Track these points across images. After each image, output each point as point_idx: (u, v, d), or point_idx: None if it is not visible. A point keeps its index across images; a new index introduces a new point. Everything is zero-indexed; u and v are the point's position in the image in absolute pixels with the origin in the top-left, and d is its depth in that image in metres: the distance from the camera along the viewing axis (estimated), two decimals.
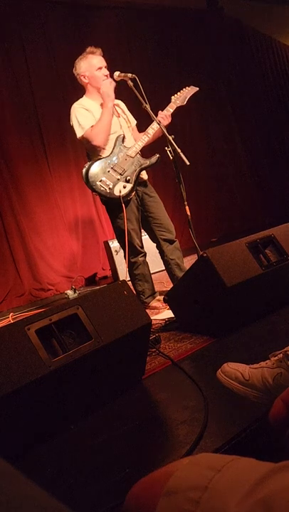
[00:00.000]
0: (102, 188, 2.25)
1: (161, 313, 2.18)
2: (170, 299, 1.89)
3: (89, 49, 2.37)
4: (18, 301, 3.49)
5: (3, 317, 3.07)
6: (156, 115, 2.31)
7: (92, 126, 2.28)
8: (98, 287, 3.35)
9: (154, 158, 2.37)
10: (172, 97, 2.43)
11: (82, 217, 4.06)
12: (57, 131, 3.82)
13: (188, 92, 2.45)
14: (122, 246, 2.36)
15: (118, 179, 2.27)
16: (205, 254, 1.57)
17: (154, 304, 2.39)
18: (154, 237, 2.46)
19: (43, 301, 3.50)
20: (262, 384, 0.98)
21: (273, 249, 1.75)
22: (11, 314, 3.03)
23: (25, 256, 3.63)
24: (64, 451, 1.10)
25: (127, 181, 2.28)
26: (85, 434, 1.15)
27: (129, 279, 2.37)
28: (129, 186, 2.28)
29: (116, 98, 2.52)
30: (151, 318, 1.37)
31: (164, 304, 2.26)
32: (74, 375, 1.16)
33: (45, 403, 1.13)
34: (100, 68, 2.34)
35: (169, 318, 1.97)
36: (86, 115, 2.31)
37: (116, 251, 3.45)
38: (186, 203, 2.25)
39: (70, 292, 3.40)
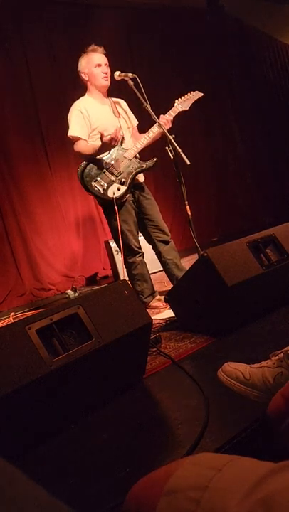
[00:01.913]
0: (96, 189, 2.26)
1: (162, 313, 2.18)
2: (171, 298, 1.89)
3: (91, 47, 2.38)
4: (19, 301, 3.49)
5: (4, 317, 3.07)
6: (157, 116, 2.31)
7: (83, 140, 2.29)
8: (99, 287, 3.35)
9: (150, 162, 2.36)
10: (176, 101, 2.41)
11: (82, 217, 4.06)
12: (58, 132, 3.81)
13: (193, 97, 2.43)
14: (119, 246, 2.36)
15: (113, 181, 2.28)
16: (205, 254, 1.57)
17: (154, 303, 2.40)
18: (149, 239, 2.46)
19: (44, 300, 3.51)
20: (262, 383, 0.98)
21: (274, 248, 1.75)
22: (12, 314, 3.04)
23: (26, 256, 3.64)
24: (64, 450, 1.10)
25: (122, 183, 2.28)
26: (85, 434, 1.15)
27: (128, 279, 2.37)
28: (123, 189, 2.28)
29: (116, 97, 2.53)
30: (152, 317, 1.37)
31: (164, 304, 2.26)
32: (75, 374, 1.16)
33: (45, 403, 1.13)
34: (99, 65, 2.34)
35: (170, 318, 1.97)
36: (81, 124, 2.31)
37: (116, 251, 3.44)
38: (186, 202, 2.25)
39: (70, 292, 3.40)
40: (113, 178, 2.27)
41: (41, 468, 1.03)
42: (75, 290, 3.42)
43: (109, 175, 2.27)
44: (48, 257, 3.75)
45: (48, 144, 3.87)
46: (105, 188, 2.26)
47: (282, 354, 0.99)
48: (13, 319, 2.90)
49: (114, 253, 3.49)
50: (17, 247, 3.61)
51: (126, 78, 2.30)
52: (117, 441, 1.07)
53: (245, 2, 5.23)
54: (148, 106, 2.23)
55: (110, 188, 2.26)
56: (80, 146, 2.31)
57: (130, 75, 2.29)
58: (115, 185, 2.27)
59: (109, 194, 2.26)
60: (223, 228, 4.88)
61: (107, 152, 2.31)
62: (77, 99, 2.42)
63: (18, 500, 0.22)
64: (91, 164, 2.28)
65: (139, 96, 2.23)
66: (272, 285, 1.72)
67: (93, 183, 2.26)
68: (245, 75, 5.56)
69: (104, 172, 2.27)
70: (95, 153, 2.28)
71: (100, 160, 2.29)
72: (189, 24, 5.01)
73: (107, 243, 3.65)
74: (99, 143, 2.31)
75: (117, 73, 2.34)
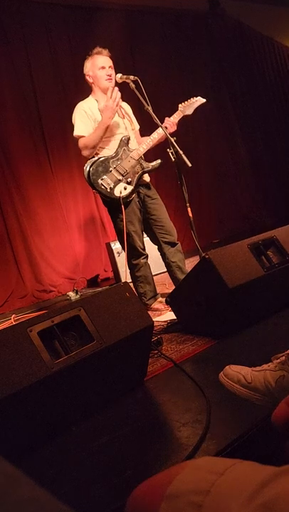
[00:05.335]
0: (102, 187, 2.26)
1: (164, 315, 2.18)
2: (172, 300, 1.89)
3: (96, 49, 2.39)
4: (21, 303, 3.49)
5: (5, 319, 3.07)
6: (160, 118, 2.31)
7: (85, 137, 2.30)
8: (100, 289, 3.35)
9: (156, 163, 2.38)
10: (179, 105, 2.44)
11: (84, 219, 4.07)
12: (59, 133, 3.83)
13: (196, 102, 2.46)
14: (124, 247, 2.36)
15: (120, 180, 2.28)
16: (207, 256, 1.57)
17: (156, 305, 2.39)
18: (155, 240, 2.46)
19: (46, 302, 3.51)
20: (264, 387, 0.98)
21: (275, 250, 1.75)
22: (13, 316, 3.04)
23: (27, 257, 3.64)
24: (65, 452, 1.10)
25: (128, 183, 2.28)
26: (86, 436, 1.15)
27: (130, 280, 2.37)
28: (129, 188, 2.29)
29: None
30: (153, 319, 1.36)
31: (166, 306, 2.26)
32: (76, 376, 1.16)
33: (47, 404, 1.13)
34: (103, 68, 2.35)
35: (171, 320, 1.96)
36: (86, 122, 2.32)
37: (118, 252, 3.45)
38: (188, 204, 2.25)
39: (72, 294, 3.40)
40: (120, 177, 2.28)
41: (42, 470, 1.03)
42: (76, 292, 3.42)
43: (116, 174, 2.28)
44: (49, 258, 3.75)
45: (49, 146, 3.88)
46: (112, 186, 2.26)
47: (284, 357, 0.99)
48: (15, 321, 2.90)
49: (116, 255, 3.49)
50: (18, 249, 3.62)
51: (128, 81, 2.31)
52: (118, 444, 1.07)
53: (245, 5, 5.25)
54: (150, 108, 2.24)
55: (117, 187, 2.26)
56: (86, 140, 2.30)
57: (132, 77, 2.30)
58: (122, 185, 2.27)
59: (116, 193, 2.26)
60: (224, 230, 4.88)
61: (113, 151, 2.32)
62: (79, 99, 2.43)
63: (21, 503, 0.22)
64: (97, 163, 2.28)
65: (141, 98, 2.24)
66: (273, 287, 1.72)
67: (100, 181, 2.26)
68: (246, 76, 5.58)
69: (111, 171, 2.28)
70: (100, 140, 2.28)
71: (106, 159, 2.30)
72: (191, 27, 5.03)
73: (108, 245, 3.65)
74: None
75: (118, 76, 2.35)
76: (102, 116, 2.27)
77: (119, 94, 2.28)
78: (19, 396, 1.01)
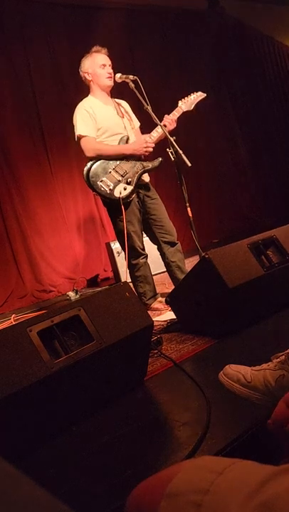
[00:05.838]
0: (102, 189, 2.25)
1: (163, 315, 2.18)
2: (172, 300, 1.89)
3: (94, 48, 2.39)
4: (20, 303, 3.49)
5: (5, 319, 3.07)
6: (159, 117, 2.31)
7: (92, 137, 2.29)
8: (100, 289, 3.35)
9: (156, 162, 2.37)
10: (179, 102, 2.43)
11: (84, 219, 4.07)
12: (59, 133, 3.83)
13: (196, 98, 2.44)
14: (123, 247, 2.36)
15: (119, 180, 2.28)
16: (207, 256, 1.57)
17: (155, 305, 2.39)
18: (155, 240, 2.46)
19: (45, 302, 3.51)
20: (264, 386, 0.98)
21: (275, 250, 1.75)
22: (13, 316, 3.04)
23: (27, 257, 3.64)
24: (66, 452, 1.10)
25: (128, 183, 2.28)
26: (86, 436, 1.15)
27: (130, 280, 2.37)
28: (129, 188, 2.28)
29: (119, 98, 2.54)
30: (153, 319, 1.37)
31: (165, 306, 2.26)
32: (76, 376, 1.16)
33: (47, 404, 1.13)
34: (104, 66, 2.35)
35: (171, 320, 1.97)
36: (88, 122, 2.31)
37: (118, 252, 3.45)
38: (187, 204, 2.25)
39: (71, 294, 3.40)
40: (119, 177, 2.27)
41: (43, 470, 1.03)
42: (76, 292, 3.42)
43: (115, 175, 2.27)
44: (49, 258, 3.75)
45: (49, 146, 3.87)
46: (112, 187, 2.26)
47: (283, 356, 0.99)
48: (15, 321, 2.90)
49: (116, 255, 3.49)
50: (18, 249, 3.62)
51: (127, 80, 2.31)
52: (117, 443, 1.07)
53: (245, 4, 5.25)
54: (149, 108, 2.24)
55: (117, 188, 2.26)
56: (100, 148, 2.30)
57: (131, 77, 2.30)
58: (121, 185, 2.27)
59: (116, 194, 2.25)
60: (224, 230, 4.87)
61: None
62: (79, 100, 2.43)
63: (21, 503, 0.23)
64: (97, 164, 2.28)
65: (141, 98, 2.24)
66: (273, 287, 1.72)
67: (99, 183, 2.26)
68: (245, 75, 5.58)
69: (110, 172, 2.27)
70: (110, 157, 2.28)
71: (106, 160, 2.30)
72: (190, 25, 5.03)
73: (108, 245, 3.65)
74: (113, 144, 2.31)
75: (118, 75, 2.35)
76: (129, 146, 2.30)
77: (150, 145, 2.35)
78: (19, 396, 1.01)
